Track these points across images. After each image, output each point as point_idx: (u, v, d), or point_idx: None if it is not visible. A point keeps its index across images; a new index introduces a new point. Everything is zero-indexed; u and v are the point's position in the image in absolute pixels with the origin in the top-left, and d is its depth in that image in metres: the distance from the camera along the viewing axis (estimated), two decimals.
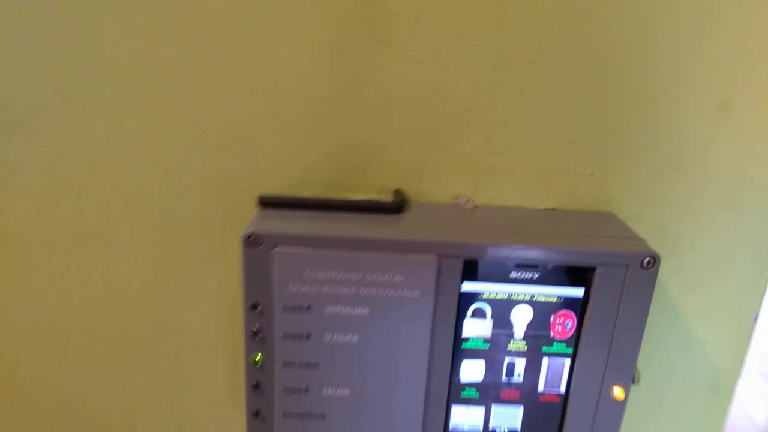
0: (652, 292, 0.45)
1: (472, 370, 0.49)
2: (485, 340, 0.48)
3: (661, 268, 0.53)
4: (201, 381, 0.58)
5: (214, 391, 0.58)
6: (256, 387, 0.48)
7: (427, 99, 0.49)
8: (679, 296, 0.55)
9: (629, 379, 0.48)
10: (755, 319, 0.56)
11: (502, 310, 0.47)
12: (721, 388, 0.59)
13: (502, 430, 0.51)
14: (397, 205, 0.49)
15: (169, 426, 0.60)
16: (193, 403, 0.59)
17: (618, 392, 0.48)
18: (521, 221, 0.49)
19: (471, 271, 0.46)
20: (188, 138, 0.50)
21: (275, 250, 0.44)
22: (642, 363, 0.57)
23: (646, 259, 0.44)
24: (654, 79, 0.49)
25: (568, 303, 0.47)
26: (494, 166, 0.51)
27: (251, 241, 0.44)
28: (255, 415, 0.49)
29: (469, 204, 0.52)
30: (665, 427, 0.61)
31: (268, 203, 0.48)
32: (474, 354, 0.48)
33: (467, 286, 0.46)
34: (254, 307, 0.46)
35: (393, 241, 0.44)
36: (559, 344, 0.48)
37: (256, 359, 0.47)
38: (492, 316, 0.47)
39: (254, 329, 0.46)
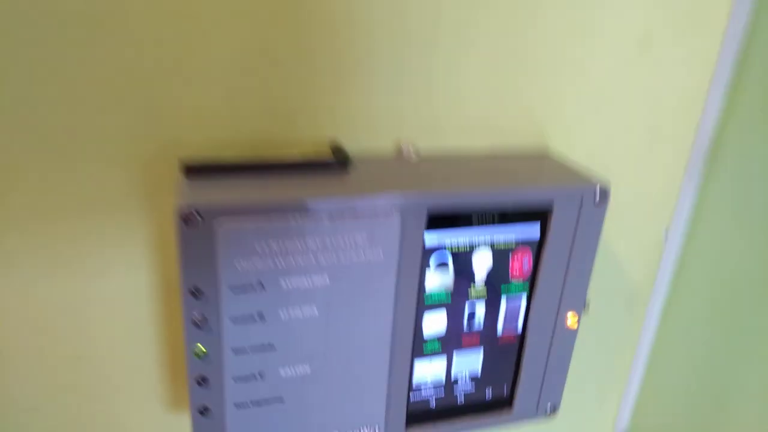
0: (602, 224, 0.46)
1: (434, 324, 0.47)
2: (447, 292, 0.46)
3: None
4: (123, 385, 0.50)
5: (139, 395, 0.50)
6: (201, 382, 0.42)
7: (358, 39, 0.43)
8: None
9: (581, 307, 0.49)
10: (666, 232, 0.61)
11: (463, 258, 0.45)
12: (635, 302, 0.64)
13: (464, 376, 0.50)
14: (341, 162, 0.44)
15: None
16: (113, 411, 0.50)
17: (571, 321, 0.49)
18: (471, 166, 0.47)
19: (433, 224, 0.43)
20: (79, 95, 0.39)
21: (217, 224, 0.37)
22: None
23: (600, 194, 0.44)
24: (580, 14, 0.48)
25: (526, 242, 0.46)
26: (433, 109, 0.48)
27: (188, 217, 0.36)
28: (202, 412, 0.43)
29: (413, 150, 0.48)
30: (591, 343, 0.65)
31: (193, 170, 0.40)
32: (436, 307, 0.46)
33: (431, 240, 0.43)
34: (195, 292, 0.39)
35: (350, 200, 0.39)
36: (517, 284, 0.47)
37: (200, 351, 0.41)
38: (453, 265, 0.45)
39: (196, 317, 0.39)
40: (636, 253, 0.61)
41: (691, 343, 0.63)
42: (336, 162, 0.43)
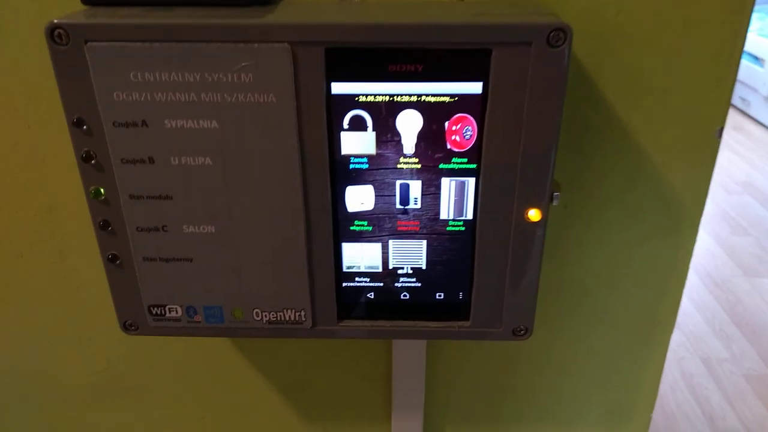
0: (565, 79, 0.36)
1: (358, 197, 0.41)
2: (370, 159, 0.39)
3: (601, 72, 0.44)
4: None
5: None
6: (104, 226, 0.41)
7: None
8: (626, 108, 0.45)
9: (544, 194, 0.39)
10: (719, 133, 0.46)
11: (385, 117, 0.38)
12: (683, 226, 0.51)
13: (405, 270, 0.44)
14: None
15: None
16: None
17: (533, 214, 0.40)
18: (409, 10, 0.39)
19: (340, 69, 0.36)
20: None
21: (88, 45, 0.35)
22: (581, 193, 0.49)
23: (552, 33, 0.34)
24: None
25: (463, 103, 0.37)
26: None
27: (56, 35, 0.35)
28: (111, 259, 0.42)
29: None
30: (625, 271, 0.53)
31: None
32: (359, 177, 0.40)
33: (338, 87, 0.37)
34: (78, 123, 0.38)
35: (232, 27, 0.35)
36: (459, 159, 0.39)
37: (97, 192, 0.40)
38: (374, 127, 0.38)
39: (84, 152, 0.38)
40: (678, 156, 0.48)
41: None
42: None
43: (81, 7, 0.38)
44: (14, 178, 0.50)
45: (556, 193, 0.40)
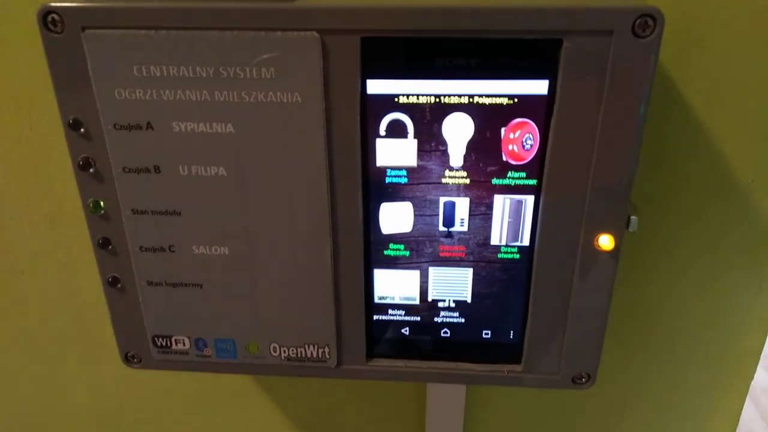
0: (652, 77, 0.29)
1: (395, 216, 0.35)
2: (410, 171, 0.33)
3: (685, 71, 0.37)
4: None
5: None
6: (103, 244, 0.36)
7: None
8: (712, 116, 0.39)
9: (622, 219, 0.32)
10: None
11: (429, 122, 0.32)
12: None
13: (447, 303, 0.37)
14: None
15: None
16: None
17: (605, 241, 0.33)
18: None
19: (377, 63, 0.31)
20: None
21: (85, 33, 0.30)
22: (657, 212, 0.42)
23: (639, 19, 0.28)
24: None
25: (524, 106, 0.31)
26: None
27: (50, 21, 0.30)
28: (111, 283, 0.37)
29: None
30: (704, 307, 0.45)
31: None
32: (396, 193, 0.34)
33: (374, 86, 0.31)
34: (75, 125, 0.33)
35: (251, 12, 0.29)
36: (516, 173, 0.33)
37: (96, 205, 0.35)
38: (416, 134, 0.32)
39: (82, 159, 0.33)
40: None
41: None
42: None
43: None
44: (13, 185, 0.45)
45: (633, 217, 0.33)
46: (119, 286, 0.37)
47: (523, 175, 0.33)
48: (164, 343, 0.39)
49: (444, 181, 0.33)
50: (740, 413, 0.50)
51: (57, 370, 0.54)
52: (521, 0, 0.30)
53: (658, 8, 0.28)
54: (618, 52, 0.29)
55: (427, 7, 0.29)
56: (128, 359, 0.40)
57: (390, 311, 0.38)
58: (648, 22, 0.28)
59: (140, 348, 0.39)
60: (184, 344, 0.39)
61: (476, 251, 0.35)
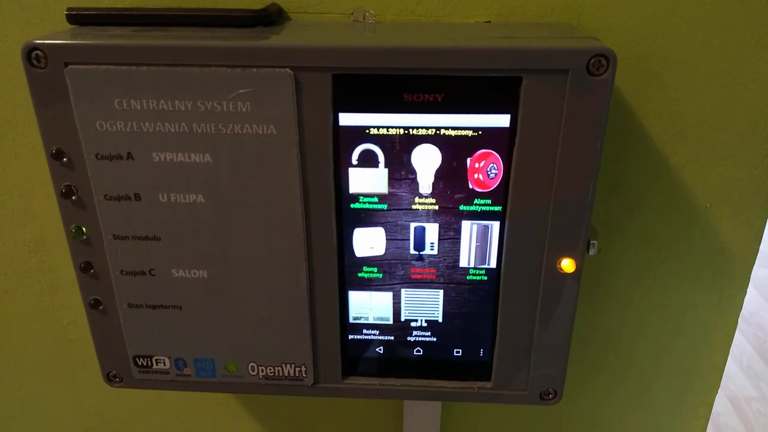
0: (606, 112, 0.31)
1: (368, 241, 0.36)
2: (381, 198, 0.35)
3: (642, 103, 0.39)
4: None
5: None
6: (85, 268, 0.37)
7: None
8: (670, 144, 0.41)
9: (583, 243, 0.34)
10: None
11: (399, 153, 0.34)
12: (732, 275, 0.45)
13: (419, 322, 0.39)
14: (261, 16, 0.35)
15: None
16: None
17: (567, 264, 0.35)
18: (429, 31, 0.35)
19: (349, 97, 0.32)
20: None
21: (68, 69, 0.32)
22: (617, 237, 0.44)
23: (593, 59, 0.30)
24: None
25: (488, 138, 0.33)
26: None
27: (34, 57, 0.31)
28: (93, 305, 0.38)
29: (369, 18, 0.38)
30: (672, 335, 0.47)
31: (77, 16, 0.35)
32: (369, 218, 0.36)
33: (346, 119, 0.33)
34: (58, 155, 0.34)
35: (227, 49, 0.31)
36: (482, 200, 0.35)
37: (78, 230, 0.36)
38: (386, 163, 0.34)
39: (64, 187, 0.35)
40: (726, 202, 0.42)
41: None
42: (252, 16, 0.35)
43: (69, 27, 0.35)
44: None
45: (592, 241, 0.35)
46: (101, 308, 0.38)
47: (489, 201, 0.35)
48: (145, 363, 0.40)
49: (414, 207, 0.35)
50: (706, 426, 0.52)
51: (40, 389, 0.54)
52: (484, 40, 0.32)
53: (611, 49, 0.30)
54: (574, 88, 0.30)
55: (395, 46, 0.31)
56: (110, 378, 0.41)
57: (365, 331, 0.39)
58: (602, 62, 0.30)
59: (122, 367, 0.40)
60: (164, 364, 0.40)
61: (446, 273, 0.37)
